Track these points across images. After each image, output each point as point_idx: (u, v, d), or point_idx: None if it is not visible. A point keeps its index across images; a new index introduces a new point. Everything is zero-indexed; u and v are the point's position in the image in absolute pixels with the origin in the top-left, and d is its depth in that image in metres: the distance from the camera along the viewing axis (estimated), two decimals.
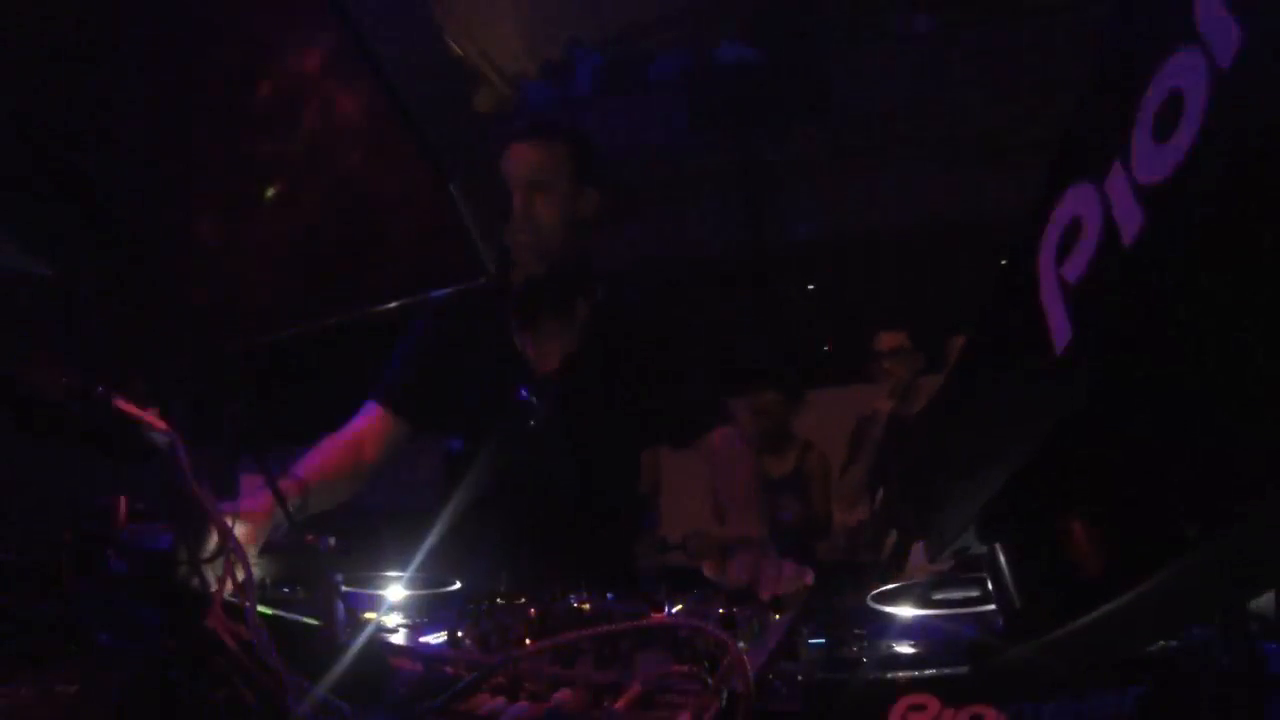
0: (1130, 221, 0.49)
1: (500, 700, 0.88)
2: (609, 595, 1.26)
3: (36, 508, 0.94)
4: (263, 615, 1.00)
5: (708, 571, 1.46)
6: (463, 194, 0.87)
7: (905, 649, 1.00)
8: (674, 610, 1.19)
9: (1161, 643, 0.76)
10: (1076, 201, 0.56)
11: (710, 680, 0.84)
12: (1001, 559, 0.77)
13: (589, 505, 1.89)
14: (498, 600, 1.21)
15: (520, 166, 1.84)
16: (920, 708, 0.81)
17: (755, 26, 4.97)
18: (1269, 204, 0.40)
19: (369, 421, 1.86)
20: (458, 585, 1.31)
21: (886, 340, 4.03)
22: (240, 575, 1.02)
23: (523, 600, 1.22)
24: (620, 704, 0.84)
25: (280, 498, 1.36)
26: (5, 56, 0.84)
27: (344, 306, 1.01)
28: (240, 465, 1.31)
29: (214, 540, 1.04)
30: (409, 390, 1.88)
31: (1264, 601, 0.71)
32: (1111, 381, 0.53)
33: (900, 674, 0.84)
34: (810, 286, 5.67)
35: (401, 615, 1.21)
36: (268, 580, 1.24)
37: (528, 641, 1.03)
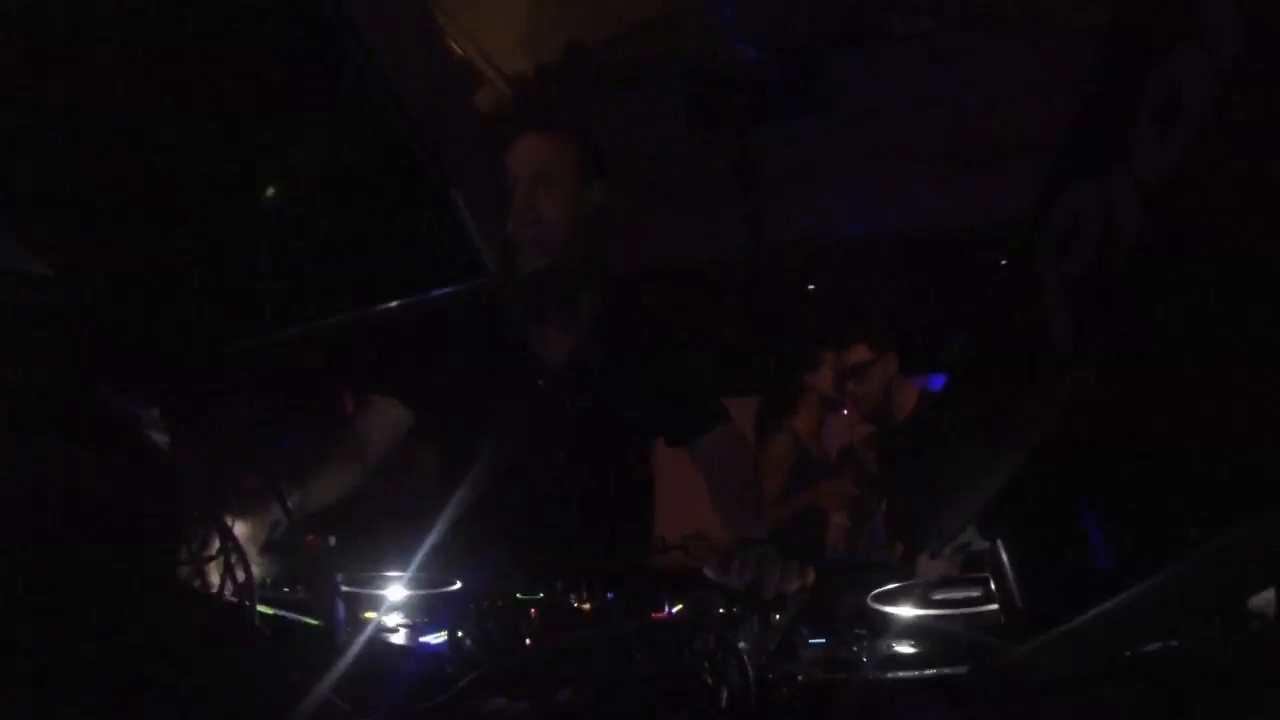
0: (1130, 220, 0.49)
1: (500, 700, 0.88)
2: (609, 595, 1.26)
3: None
4: (263, 615, 1.00)
5: (709, 571, 1.46)
6: (462, 194, 0.87)
7: (905, 649, 1.00)
8: (674, 610, 1.19)
9: (1161, 643, 0.76)
10: (1077, 200, 0.56)
11: (710, 680, 0.84)
12: (1003, 556, 0.77)
13: (590, 504, 1.88)
14: (498, 600, 1.21)
15: (525, 159, 1.83)
16: (920, 708, 0.81)
17: (755, 26, 4.96)
18: (1269, 202, 0.40)
19: (371, 413, 1.86)
20: (458, 585, 1.31)
21: (849, 357, 3.71)
22: (241, 575, 1.02)
23: (523, 600, 1.22)
24: (620, 704, 0.84)
25: (281, 497, 1.36)
26: (6, 58, 0.84)
27: (344, 306, 1.01)
28: (241, 464, 1.31)
29: (215, 540, 1.05)
30: (412, 382, 1.88)
31: (1264, 601, 0.71)
32: (1112, 379, 0.53)
33: (900, 674, 0.84)
34: (810, 287, 5.66)
35: (401, 615, 1.21)
36: (268, 580, 1.24)
37: (528, 641, 1.03)
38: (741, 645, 0.93)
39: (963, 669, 0.82)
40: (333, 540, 1.17)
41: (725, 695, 0.82)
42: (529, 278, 1.85)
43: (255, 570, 1.06)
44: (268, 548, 1.34)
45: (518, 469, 1.80)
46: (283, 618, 1.06)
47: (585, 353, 1.88)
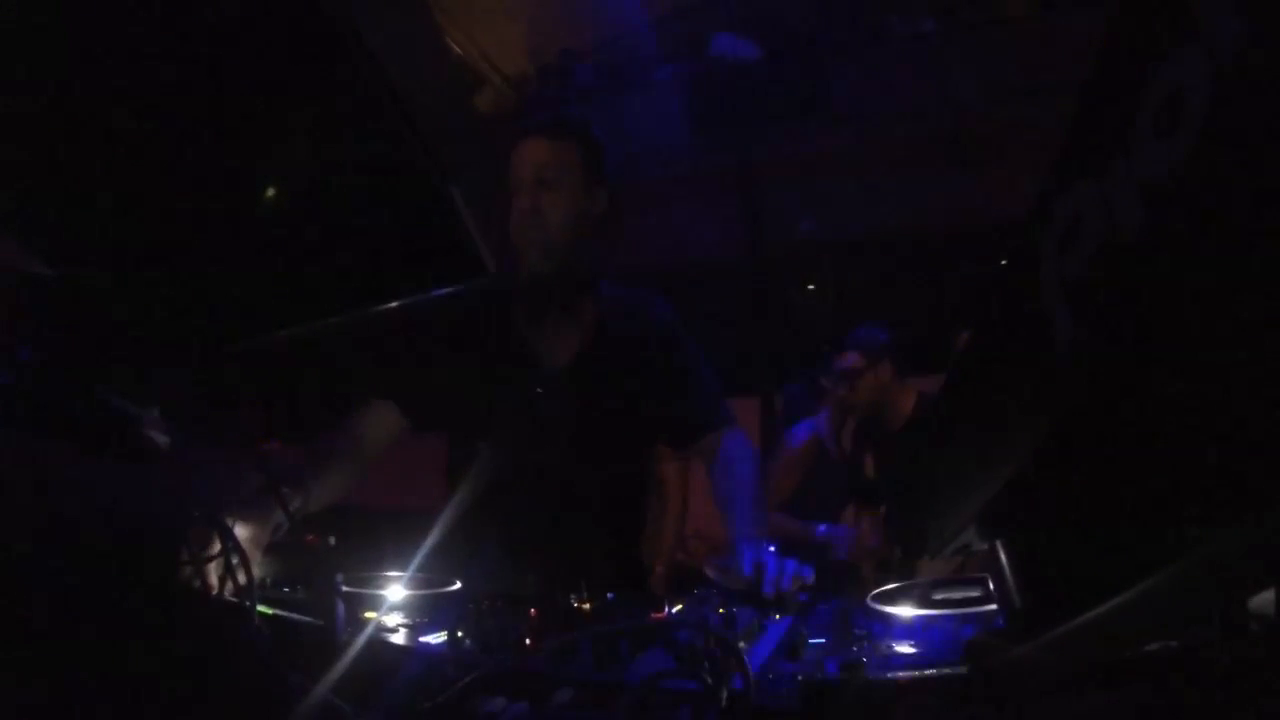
0: (1131, 219, 0.49)
1: (500, 700, 0.88)
2: (609, 595, 1.26)
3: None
4: (263, 615, 1.00)
5: (709, 571, 1.46)
6: (462, 194, 0.87)
7: (905, 649, 1.00)
8: (674, 610, 1.19)
9: (1161, 643, 0.76)
10: (1077, 199, 0.56)
11: (710, 680, 0.84)
12: (1003, 556, 0.77)
13: (591, 504, 1.88)
14: (498, 600, 1.21)
15: (529, 163, 1.83)
16: (920, 708, 0.81)
17: (754, 26, 4.98)
18: (1270, 202, 0.40)
19: (370, 417, 1.86)
20: (458, 585, 1.31)
21: (841, 363, 3.56)
22: (242, 576, 1.02)
23: (523, 600, 1.22)
24: (620, 704, 0.84)
25: (281, 498, 1.36)
26: (6, 56, 0.84)
27: (344, 306, 1.01)
28: (241, 464, 1.31)
29: (216, 541, 1.05)
30: (410, 386, 1.88)
31: (1264, 601, 0.70)
32: (1112, 379, 0.53)
33: (900, 674, 0.84)
34: (810, 287, 5.67)
35: (401, 615, 1.21)
36: (268, 580, 1.24)
37: (528, 641, 1.03)
38: (741, 645, 0.92)
39: (963, 669, 0.82)
40: (333, 540, 1.17)
41: (725, 695, 0.82)
42: (531, 281, 1.85)
43: (256, 570, 1.06)
44: (268, 548, 1.34)
45: (519, 469, 1.80)
46: (283, 618, 1.06)
47: (587, 355, 1.88)
